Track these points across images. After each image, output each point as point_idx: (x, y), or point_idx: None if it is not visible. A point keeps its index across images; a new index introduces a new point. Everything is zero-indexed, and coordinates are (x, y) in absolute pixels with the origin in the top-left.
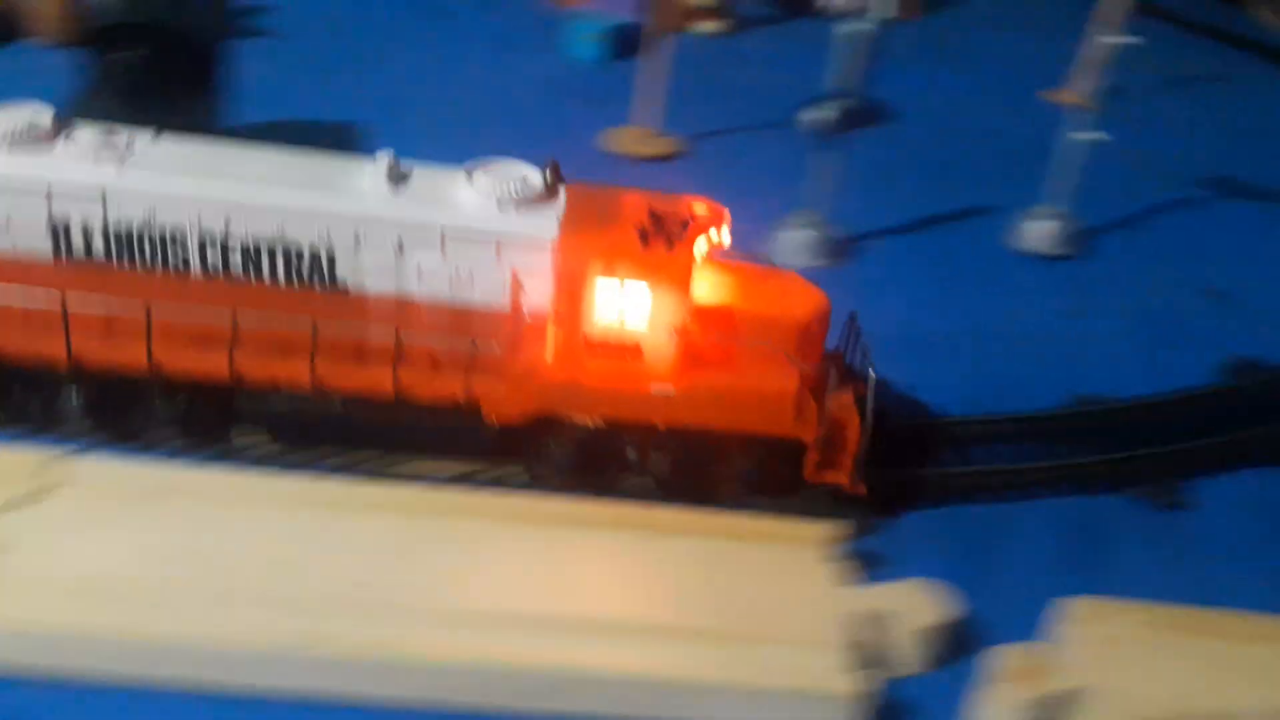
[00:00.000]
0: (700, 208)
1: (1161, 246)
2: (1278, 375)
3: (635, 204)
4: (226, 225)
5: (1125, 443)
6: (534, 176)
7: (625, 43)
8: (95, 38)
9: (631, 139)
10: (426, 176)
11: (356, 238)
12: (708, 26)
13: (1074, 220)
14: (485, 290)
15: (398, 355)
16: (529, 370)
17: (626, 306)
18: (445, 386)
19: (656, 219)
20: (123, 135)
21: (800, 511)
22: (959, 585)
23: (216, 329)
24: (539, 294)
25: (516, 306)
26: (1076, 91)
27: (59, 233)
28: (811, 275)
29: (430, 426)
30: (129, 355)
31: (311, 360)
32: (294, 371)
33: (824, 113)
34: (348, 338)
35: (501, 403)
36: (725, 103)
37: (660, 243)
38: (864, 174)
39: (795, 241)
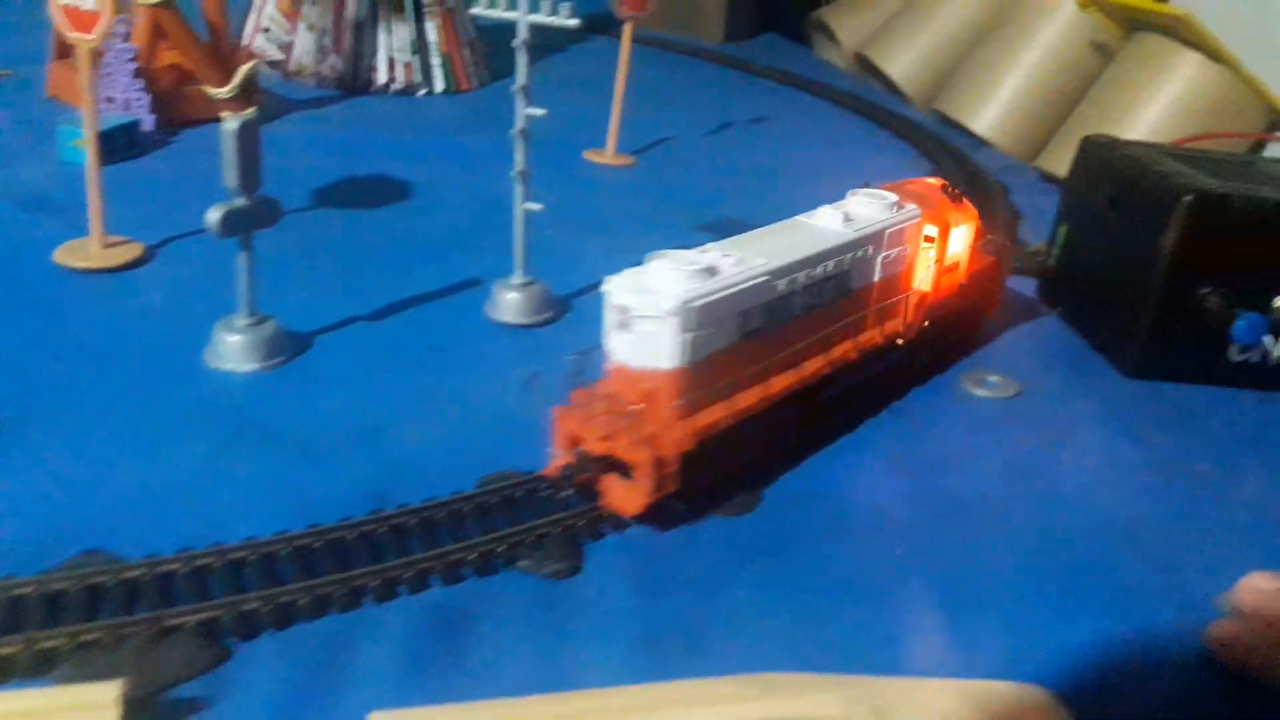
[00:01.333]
0: (934, 180)
1: None
2: None
3: (926, 185)
4: (811, 275)
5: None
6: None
7: (128, 144)
8: None
9: (86, 251)
10: (842, 208)
11: (859, 256)
12: (236, 118)
13: (540, 287)
14: (898, 262)
15: (878, 319)
16: (921, 301)
17: (956, 241)
18: (890, 329)
19: (946, 189)
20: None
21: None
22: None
23: (815, 347)
24: (912, 252)
25: (910, 266)
26: (610, 150)
27: (744, 322)
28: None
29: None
30: (779, 392)
31: (853, 341)
32: (846, 353)
33: (212, 215)
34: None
35: (910, 327)
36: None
37: (959, 201)
38: (351, 259)
39: (233, 346)
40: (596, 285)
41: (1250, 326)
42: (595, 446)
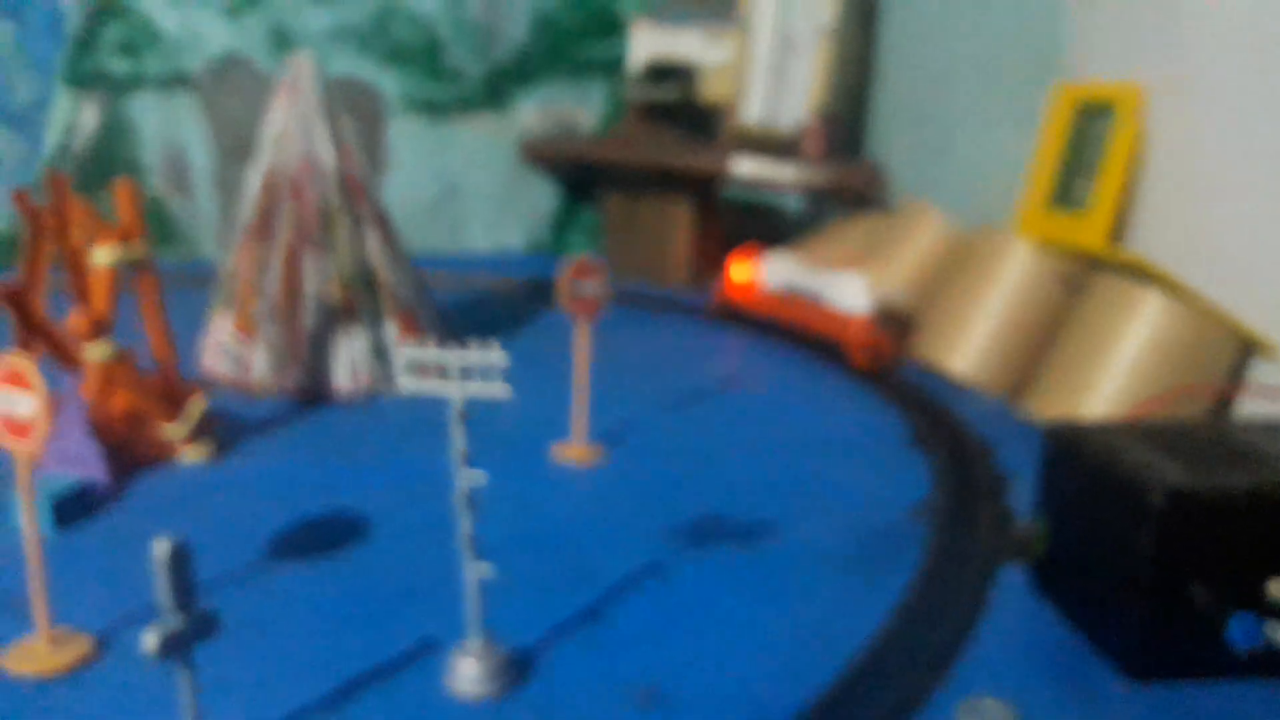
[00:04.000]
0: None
1: (601, 654)
2: None
3: None
4: None
5: None
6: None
7: (81, 507)
8: None
9: (34, 651)
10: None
11: None
12: (191, 455)
13: (501, 652)
14: None
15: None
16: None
17: None
18: None
19: None
20: None
21: None
22: None
23: None
24: None
25: None
26: (578, 444)
27: None
28: None
29: None
30: None
31: None
32: None
33: (149, 639)
34: None
35: None
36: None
37: None
38: (304, 628)
39: None
40: (555, 633)
41: (1245, 631)
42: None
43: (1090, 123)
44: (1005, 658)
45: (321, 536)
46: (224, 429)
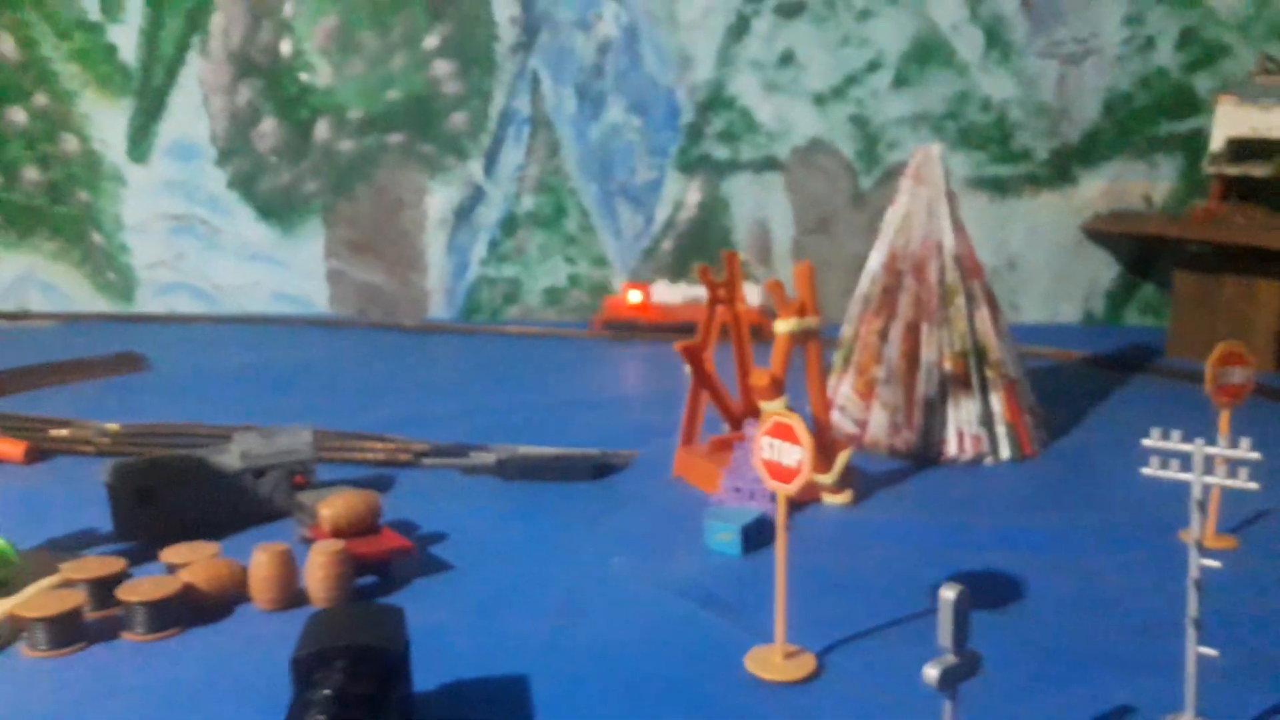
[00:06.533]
0: None
1: None
2: None
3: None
4: None
5: None
6: None
7: (762, 538)
8: None
9: (770, 661)
10: None
11: None
12: (839, 499)
13: None
14: None
15: None
16: None
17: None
18: None
19: None
20: None
21: None
22: None
23: None
24: None
25: None
26: (1210, 531)
27: None
28: None
29: None
30: None
31: None
32: None
33: (930, 673)
34: None
35: None
36: (856, 599)
37: None
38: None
39: None
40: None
41: None
42: None
43: None
44: None
45: (974, 592)
46: (857, 483)
